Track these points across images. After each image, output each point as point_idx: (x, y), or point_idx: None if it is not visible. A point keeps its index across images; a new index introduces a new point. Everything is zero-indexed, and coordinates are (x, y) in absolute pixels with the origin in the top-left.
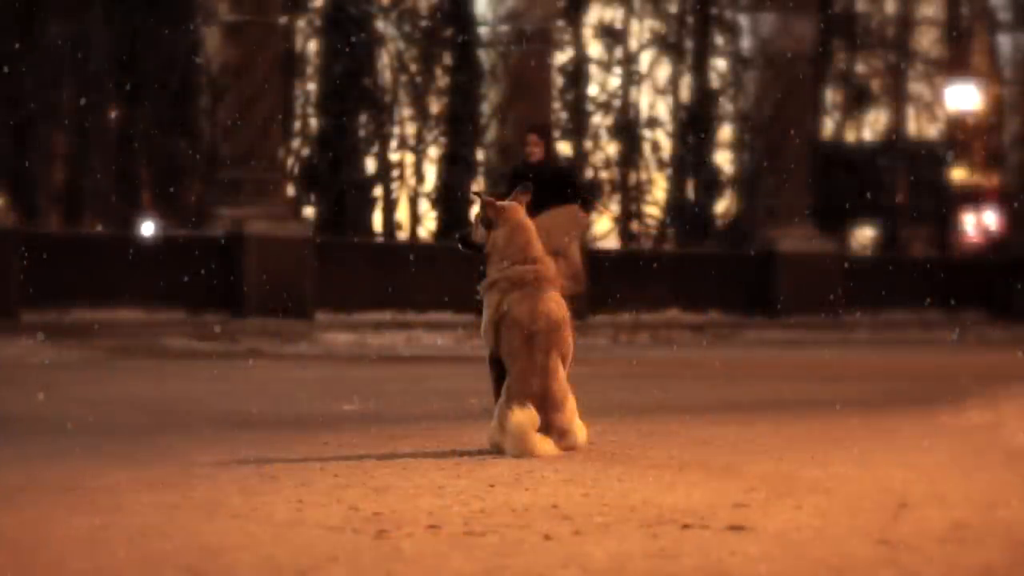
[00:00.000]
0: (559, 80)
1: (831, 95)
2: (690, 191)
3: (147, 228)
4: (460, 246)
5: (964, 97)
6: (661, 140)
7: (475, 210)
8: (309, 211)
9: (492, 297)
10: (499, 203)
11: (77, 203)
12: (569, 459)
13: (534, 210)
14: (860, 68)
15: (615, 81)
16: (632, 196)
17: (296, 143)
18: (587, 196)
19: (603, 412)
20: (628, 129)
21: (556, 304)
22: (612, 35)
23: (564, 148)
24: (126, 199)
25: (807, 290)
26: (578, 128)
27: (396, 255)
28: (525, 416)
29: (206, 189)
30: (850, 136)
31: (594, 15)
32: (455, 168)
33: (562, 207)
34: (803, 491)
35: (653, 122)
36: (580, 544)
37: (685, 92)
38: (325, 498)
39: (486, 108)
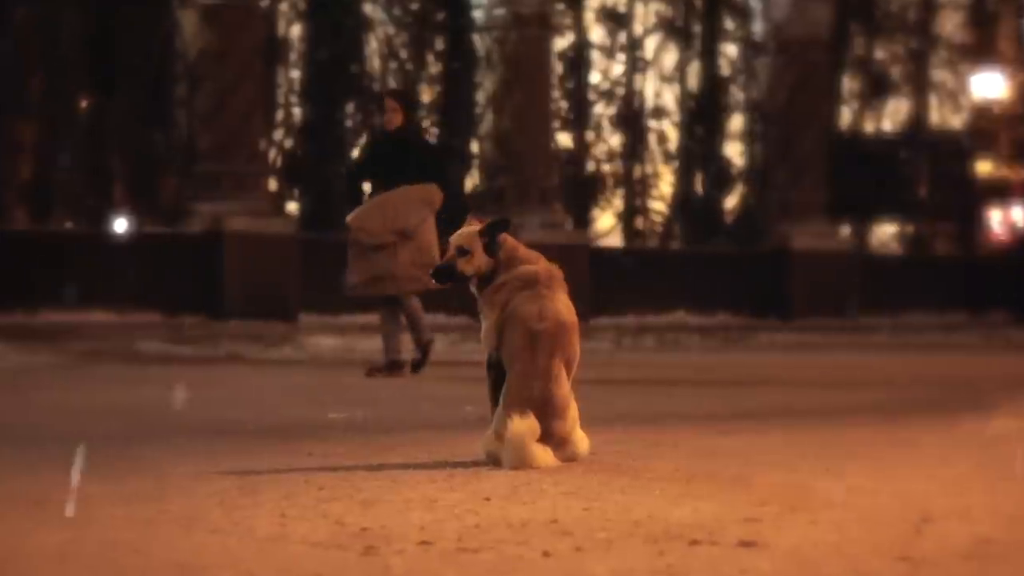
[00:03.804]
0: (559, 67)
1: (848, 83)
2: (698, 185)
3: (120, 225)
4: (440, 280)
5: (990, 85)
6: (667, 131)
7: (466, 233)
8: (293, 207)
9: (499, 297)
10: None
11: (46, 198)
12: (569, 471)
13: (385, 180)
14: (879, 54)
15: (618, 68)
16: (637, 191)
17: (279, 134)
18: (445, 176)
19: (606, 421)
20: (632, 119)
21: (566, 307)
22: (615, 19)
23: (564, 140)
24: (98, 194)
25: (823, 290)
26: (579, 118)
27: None
28: (525, 426)
29: (183, 183)
30: (869, 127)
31: None
32: (448, 161)
33: (417, 185)
34: (818, 505)
35: (659, 112)
36: (581, 561)
37: (693, 80)
38: (310, 512)
39: (481, 97)
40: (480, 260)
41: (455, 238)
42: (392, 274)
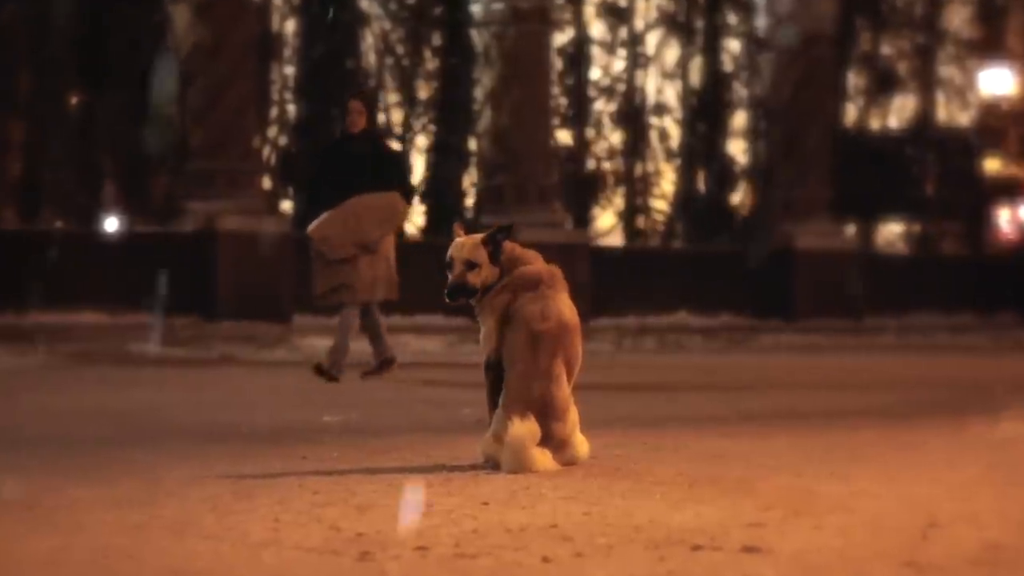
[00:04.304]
0: (559, 63)
1: (854, 79)
2: (701, 183)
3: (111, 224)
4: (454, 298)
5: (998, 81)
6: (669, 128)
7: (470, 245)
8: (287, 205)
9: (500, 299)
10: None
11: (35, 197)
12: (569, 475)
13: (348, 184)
14: (886, 50)
15: (619, 64)
16: (638, 189)
17: (273, 131)
18: (409, 185)
19: (606, 423)
20: (633, 116)
21: (568, 307)
22: (616, 14)
23: (564, 137)
24: (88, 193)
25: (827, 291)
26: (579, 115)
27: None
28: (525, 429)
29: (175, 182)
30: (875, 123)
31: None
32: (445, 158)
33: (380, 193)
34: (823, 509)
35: (661, 109)
36: (581, 567)
37: (695, 76)
38: (304, 517)
39: (479, 94)
40: (487, 271)
41: (460, 252)
42: (351, 285)
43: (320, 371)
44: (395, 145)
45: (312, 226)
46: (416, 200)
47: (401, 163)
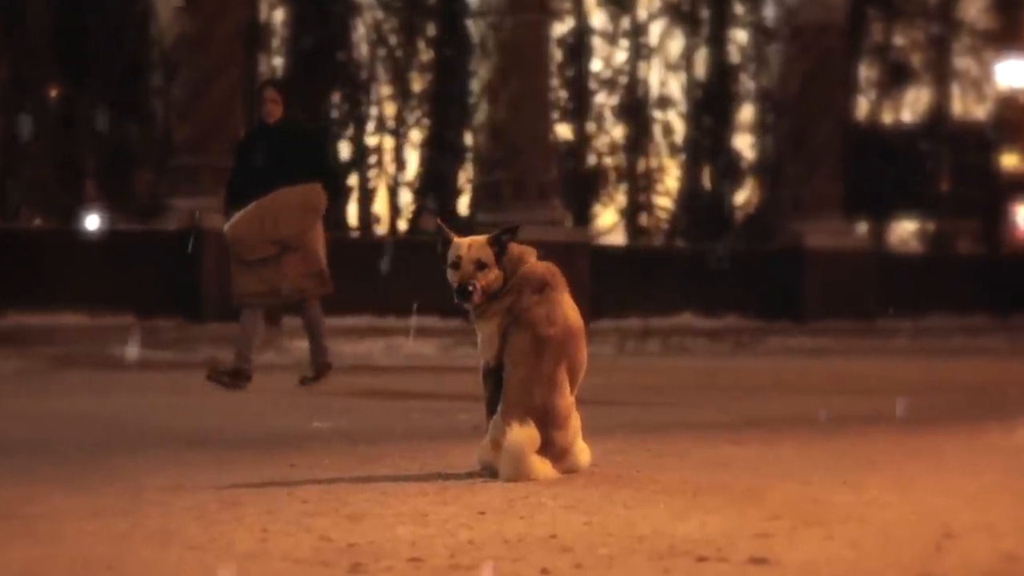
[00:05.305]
0: (558, 54)
1: (866, 71)
2: (706, 180)
3: (92, 222)
4: (464, 298)
5: (1015, 73)
6: (673, 122)
7: (477, 245)
8: None
9: (504, 300)
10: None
11: (13, 194)
12: (569, 483)
13: (265, 178)
14: (899, 40)
15: (621, 55)
16: (641, 185)
17: None
18: (334, 175)
19: (607, 430)
20: (636, 110)
21: (573, 311)
22: (618, 3)
23: (564, 131)
24: (68, 190)
25: (838, 291)
26: (580, 108)
27: (374, 252)
28: (524, 435)
29: (159, 178)
30: (887, 117)
31: None
32: (440, 154)
33: (298, 186)
34: (834, 519)
35: (664, 102)
36: None
37: (700, 67)
38: (293, 527)
39: (475, 86)
40: (494, 272)
41: (469, 252)
42: (277, 288)
43: (305, 383)
44: (315, 132)
45: (227, 226)
46: (337, 188)
47: (321, 151)
